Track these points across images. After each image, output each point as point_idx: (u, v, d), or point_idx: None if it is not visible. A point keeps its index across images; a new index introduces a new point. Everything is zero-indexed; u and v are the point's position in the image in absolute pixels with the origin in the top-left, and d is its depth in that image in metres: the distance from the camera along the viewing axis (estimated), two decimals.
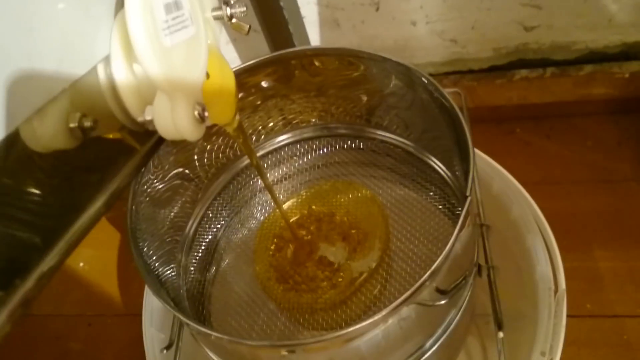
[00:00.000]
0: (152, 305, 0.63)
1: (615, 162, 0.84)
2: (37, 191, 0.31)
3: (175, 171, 0.54)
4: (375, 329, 0.40)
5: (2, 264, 0.27)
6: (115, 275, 0.94)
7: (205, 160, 0.59)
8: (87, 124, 0.32)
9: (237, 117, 0.40)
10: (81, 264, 0.96)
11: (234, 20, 0.38)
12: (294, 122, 0.63)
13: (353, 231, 0.56)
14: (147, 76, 0.30)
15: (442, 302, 0.44)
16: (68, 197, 0.33)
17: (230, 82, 0.39)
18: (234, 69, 0.51)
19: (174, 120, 0.31)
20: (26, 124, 0.28)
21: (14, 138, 0.28)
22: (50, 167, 0.32)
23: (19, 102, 0.27)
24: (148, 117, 0.32)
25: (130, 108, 0.33)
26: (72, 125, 0.32)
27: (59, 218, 0.31)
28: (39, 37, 0.28)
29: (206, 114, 0.32)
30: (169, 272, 0.52)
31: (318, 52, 0.53)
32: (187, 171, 0.57)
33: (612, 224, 0.79)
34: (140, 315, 0.63)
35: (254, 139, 0.62)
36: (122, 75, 0.33)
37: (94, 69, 0.33)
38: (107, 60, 0.33)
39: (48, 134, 0.30)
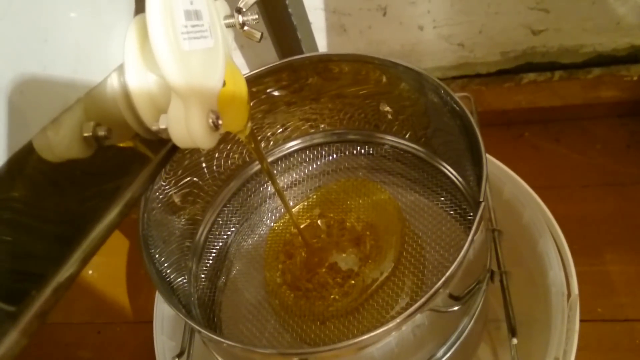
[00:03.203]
0: (163, 312, 0.63)
1: (624, 165, 0.84)
2: (51, 202, 0.31)
3: (186, 178, 0.54)
4: (389, 336, 0.40)
5: (17, 276, 0.27)
6: (124, 283, 0.94)
7: (215, 167, 0.59)
8: (101, 133, 0.32)
9: (249, 124, 0.40)
10: (90, 272, 0.96)
11: (245, 28, 0.38)
12: (303, 128, 0.62)
13: (366, 237, 0.56)
14: (164, 79, 0.30)
15: (456, 308, 0.43)
16: (83, 207, 0.33)
17: (243, 90, 0.39)
18: (244, 76, 0.51)
19: (188, 129, 0.31)
20: (41, 134, 0.28)
21: (28, 149, 0.28)
22: (65, 177, 0.32)
23: (35, 113, 0.27)
24: (162, 126, 0.32)
25: (144, 116, 0.33)
26: (86, 134, 0.32)
27: (74, 228, 0.31)
28: (53, 47, 0.28)
29: (220, 122, 0.32)
30: (180, 279, 0.52)
31: (327, 59, 0.53)
32: (197, 178, 0.57)
33: (622, 227, 0.78)
34: (149, 322, 0.63)
35: (263, 145, 0.62)
36: (136, 84, 0.33)
37: (108, 77, 0.33)
38: (120, 69, 0.33)
39: (63, 143, 0.30)
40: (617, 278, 0.75)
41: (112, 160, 0.34)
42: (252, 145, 0.44)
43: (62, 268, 0.27)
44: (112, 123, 0.33)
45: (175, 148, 0.38)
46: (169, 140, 0.33)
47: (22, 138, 0.27)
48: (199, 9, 0.33)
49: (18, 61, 0.26)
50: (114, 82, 0.33)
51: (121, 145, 0.35)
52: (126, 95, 0.33)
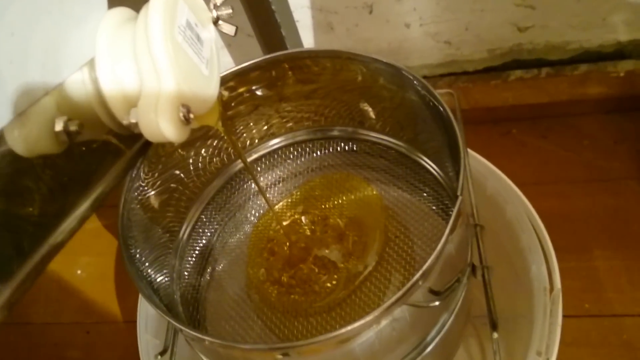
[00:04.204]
0: (147, 311, 0.63)
1: (611, 161, 0.84)
2: (22, 194, 0.31)
3: (167, 177, 0.54)
4: (369, 330, 0.40)
5: None
6: (112, 283, 0.93)
7: (200, 164, 0.59)
8: (73, 128, 0.32)
9: (220, 120, 0.40)
10: (79, 272, 0.96)
11: (220, 22, 0.38)
12: (287, 125, 0.62)
13: (349, 232, 0.56)
14: (153, 58, 0.30)
15: (436, 303, 0.43)
16: (53, 200, 0.33)
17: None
18: (224, 73, 0.51)
19: (158, 122, 0.31)
20: (9, 127, 0.28)
21: None
22: (36, 171, 0.32)
23: (2, 106, 0.27)
24: (133, 120, 0.32)
25: (116, 111, 0.33)
26: (57, 129, 0.32)
27: (43, 221, 0.31)
28: (20, 41, 0.28)
29: (191, 115, 0.32)
30: (162, 277, 0.52)
31: (309, 55, 0.53)
32: (180, 177, 0.57)
33: (610, 223, 0.79)
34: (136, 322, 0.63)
35: (248, 143, 0.62)
36: (107, 78, 0.33)
37: (79, 72, 0.33)
38: (91, 63, 0.33)
39: (32, 137, 0.30)
40: (604, 274, 0.75)
41: (84, 155, 0.34)
42: (223, 132, 0.44)
43: (29, 260, 0.27)
44: (84, 118, 0.33)
45: (149, 143, 0.38)
46: (141, 135, 0.33)
47: None
48: (201, 36, 0.34)
49: None
50: (85, 77, 0.33)
51: (93, 140, 0.35)
52: (97, 89, 0.33)
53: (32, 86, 0.29)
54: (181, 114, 0.32)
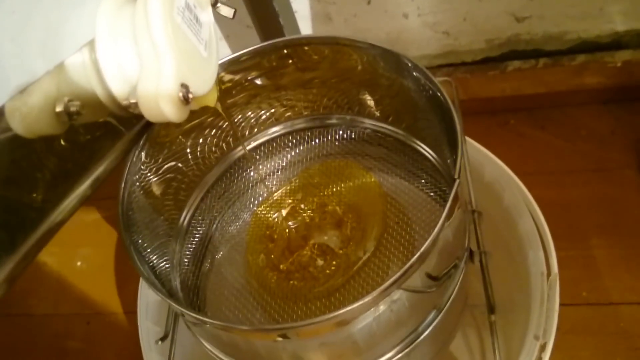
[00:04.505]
0: (147, 299, 0.63)
1: (609, 151, 0.84)
2: (23, 173, 0.31)
3: (168, 163, 0.54)
4: (368, 314, 0.40)
5: None
6: (112, 274, 0.94)
7: (199, 152, 0.59)
8: (74, 108, 0.32)
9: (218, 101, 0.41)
10: (79, 263, 0.97)
11: (219, 4, 0.38)
12: (286, 114, 0.63)
13: (348, 218, 0.57)
14: (153, 38, 0.31)
15: (434, 288, 0.44)
16: (53, 179, 0.33)
17: None
18: (222, 60, 0.51)
19: (158, 102, 0.31)
20: (10, 104, 0.28)
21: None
22: (36, 151, 0.32)
23: (2, 83, 0.28)
24: (133, 100, 0.32)
25: (115, 91, 0.33)
26: (58, 109, 0.32)
27: (44, 199, 0.31)
28: (21, 19, 0.28)
29: (190, 95, 0.33)
30: (162, 263, 0.53)
31: (307, 41, 0.53)
32: (180, 164, 0.57)
33: (607, 212, 0.79)
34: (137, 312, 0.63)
35: (247, 132, 0.63)
36: (107, 59, 0.33)
37: (79, 52, 0.33)
38: (91, 44, 0.33)
39: (32, 117, 0.30)
40: (601, 262, 0.76)
41: (84, 136, 0.34)
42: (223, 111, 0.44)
43: (29, 238, 0.28)
44: (84, 99, 0.33)
45: (149, 125, 0.38)
46: (141, 115, 0.33)
47: None
48: (200, 18, 0.34)
49: None
50: (85, 58, 0.33)
51: (93, 121, 0.35)
52: (97, 70, 0.33)
53: (33, 65, 0.30)
54: (180, 94, 0.32)
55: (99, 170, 0.34)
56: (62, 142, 0.32)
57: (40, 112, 0.31)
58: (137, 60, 0.33)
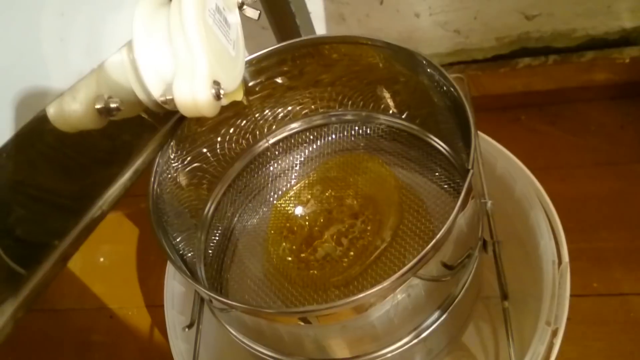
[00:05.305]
0: (173, 289, 0.65)
1: (618, 146, 0.86)
2: (65, 169, 0.34)
3: (193, 157, 0.57)
4: (385, 301, 0.42)
5: (28, 244, 0.30)
6: (134, 270, 0.97)
7: (222, 148, 0.61)
8: (113, 105, 0.35)
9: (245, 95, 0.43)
10: (101, 259, 1.00)
11: (244, 7, 0.41)
12: (304, 111, 0.65)
13: (364, 210, 0.59)
14: (188, 39, 0.33)
15: (448, 277, 0.46)
16: (94, 174, 0.35)
17: None
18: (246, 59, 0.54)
19: (193, 98, 0.34)
20: (57, 101, 0.31)
21: (43, 118, 0.31)
22: (79, 146, 0.35)
23: (52, 81, 0.30)
24: (169, 97, 0.35)
25: (152, 89, 0.36)
26: (98, 106, 0.34)
27: (84, 195, 0.33)
28: (69, 21, 0.31)
29: (222, 92, 0.35)
30: (189, 253, 0.55)
31: (323, 41, 0.56)
32: (204, 158, 0.59)
33: (617, 205, 0.81)
34: (159, 306, 0.65)
35: (265, 129, 0.65)
36: (144, 58, 0.35)
37: (118, 53, 0.35)
38: (129, 44, 0.36)
39: (78, 112, 0.33)
40: (611, 254, 0.77)
41: (122, 131, 0.37)
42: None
43: (81, 220, 0.30)
44: (123, 96, 0.36)
45: (180, 120, 0.41)
46: (175, 112, 0.36)
47: (39, 104, 0.30)
48: (228, 19, 0.37)
49: (37, 32, 0.28)
50: (123, 57, 0.36)
51: (130, 117, 0.37)
52: (135, 69, 0.36)
53: (79, 65, 0.32)
54: (213, 90, 0.35)
55: (138, 162, 0.36)
56: (105, 137, 0.35)
57: (82, 109, 0.33)
58: (172, 60, 0.35)
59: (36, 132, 0.30)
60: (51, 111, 0.32)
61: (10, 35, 0.27)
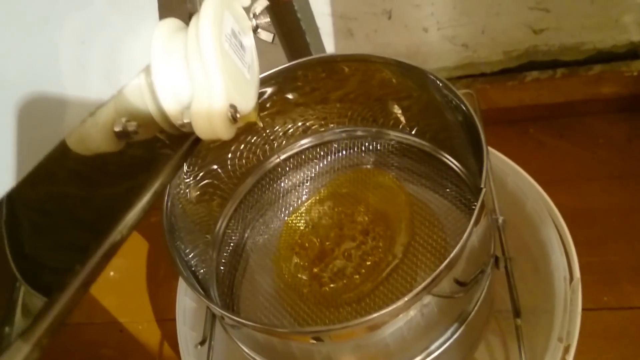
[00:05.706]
0: (184, 305, 0.66)
1: (626, 158, 0.86)
2: (85, 195, 0.34)
3: (205, 175, 0.57)
4: (399, 319, 0.42)
5: (51, 270, 0.30)
6: (144, 283, 0.97)
7: (233, 165, 0.62)
8: (131, 128, 0.35)
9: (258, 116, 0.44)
10: (112, 273, 1.00)
11: (259, 30, 0.41)
12: (314, 127, 0.66)
13: (375, 226, 0.59)
14: (205, 64, 0.33)
15: (461, 294, 0.46)
16: (114, 198, 0.36)
17: None
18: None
19: (210, 121, 0.34)
20: (79, 127, 0.31)
21: (64, 145, 0.31)
22: (98, 170, 0.35)
23: (74, 107, 0.31)
24: (186, 120, 0.35)
25: (170, 112, 0.36)
26: (117, 129, 0.35)
27: (108, 216, 0.34)
28: (90, 48, 0.31)
29: (238, 115, 0.35)
30: (201, 270, 0.55)
31: (335, 59, 0.56)
32: (215, 175, 0.60)
33: (626, 218, 0.81)
34: (170, 320, 0.66)
35: (275, 144, 0.65)
36: (162, 83, 0.36)
37: (137, 77, 0.36)
38: (147, 69, 0.36)
39: (98, 136, 0.33)
40: (622, 268, 0.77)
41: (140, 154, 0.37)
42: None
43: (102, 245, 0.31)
44: (141, 119, 0.36)
45: (196, 142, 0.41)
46: (191, 134, 0.36)
47: (60, 132, 0.30)
48: (243, 43, 0.37)
49: (59, 60, 0.29)
50: (141, 82, 0.36)
51: (147, 139, 0.38)
52: (152, 92, 0.36)
53: (100, 90, 0.33)
54: (229, 114, 0.35)
55: (156, 185, 0.37)
56: (123, 163, 0.35)
57: (105, 134, 0.34)
58: (189, 84, 0.35)
59: (57, 159, 0.30)
60: (71, 137, 0.32)
61: (34, 65, 0.27)
